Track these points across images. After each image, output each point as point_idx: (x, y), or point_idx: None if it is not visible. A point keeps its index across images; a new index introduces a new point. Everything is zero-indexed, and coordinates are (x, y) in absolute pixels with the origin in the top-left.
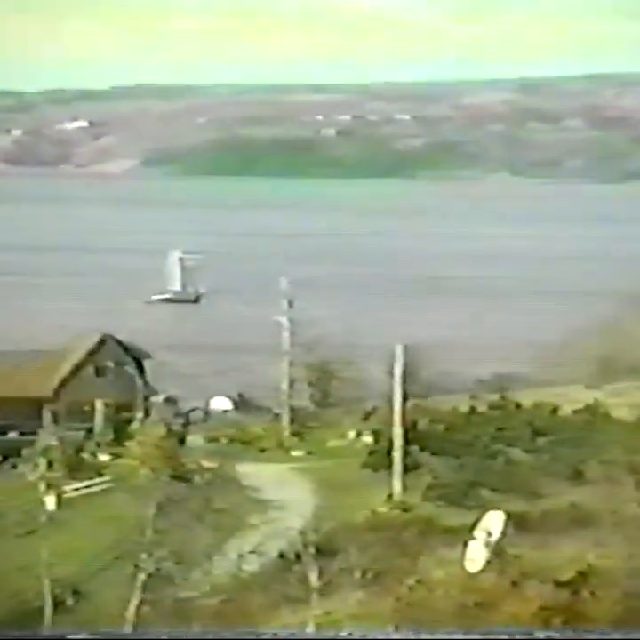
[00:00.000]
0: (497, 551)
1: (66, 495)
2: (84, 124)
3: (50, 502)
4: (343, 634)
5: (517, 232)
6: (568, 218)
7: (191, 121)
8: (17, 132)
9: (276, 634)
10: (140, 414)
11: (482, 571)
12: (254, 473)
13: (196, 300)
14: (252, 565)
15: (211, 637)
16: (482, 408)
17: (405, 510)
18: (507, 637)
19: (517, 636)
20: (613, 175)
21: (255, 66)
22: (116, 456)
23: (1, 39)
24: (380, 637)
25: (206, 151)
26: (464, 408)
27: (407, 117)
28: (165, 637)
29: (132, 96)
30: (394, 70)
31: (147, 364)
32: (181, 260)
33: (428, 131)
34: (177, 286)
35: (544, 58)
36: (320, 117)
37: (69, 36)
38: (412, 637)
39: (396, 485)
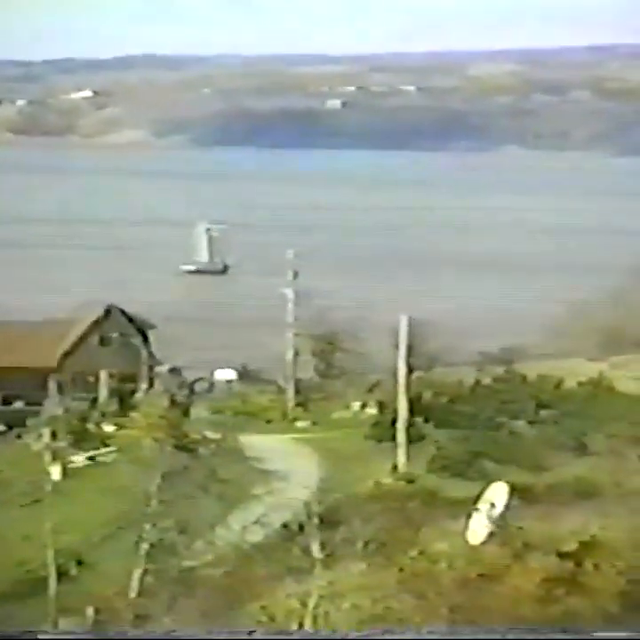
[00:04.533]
0: (500, 523)
1: (70, 465)
2: (89, 93)
3: (54, 472)
4: (343, 634)
5: (523, 205)
6: (574, 191)
7: (197, 92)
8: (22, 102)
9: (277, 634)
10: (144, 385)
11: (485, 542)
12: (258, 444)
13: (224, 271)
14: (255, 536)
15: (212, 637)
16: (486, 381)
17: (409, 481)
18: (506, 638)
19: (511, 637)
20: (620, 148)
21: (260, 37)
22: (120, 427)
23: (6, 9)
24: (381, 637)
25: (212, 122)
26: (469, 381)
27: (412, 88)
28: (166, 637)
29: (137, 66)
30: (400, 41)
31: (151, 334)
32: (208, 230)
33: (433, 102)
34: (204, 257)
35: (549, 29)
36: (326, 88)
37: (75, 5)
38: (413, 637)
39: (401, 457)
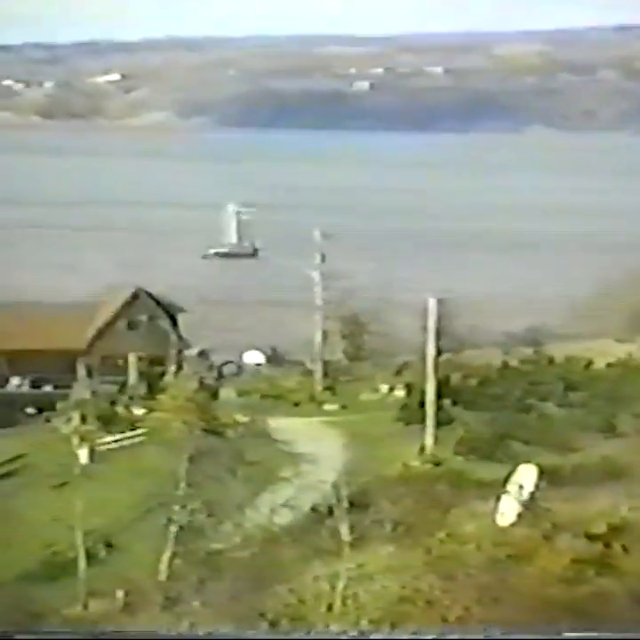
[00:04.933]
0: (529, 505)
1: (99, 448)
2: (115, 76)
3: (83, 455)
4: (342, 634)
5: (550, 185)
6: (601, 170)
7: (222, 73)
8: (49, 85)
9: (277, 634)
10: (172, 368)
11: (514, 524)
12: (287, 427)
13: (254, 254)
14: (284, 518)
15: (211, 637)
16: (514, 362)
17: (437, 464)
18: (504, 638)
19: (513, 637)
20: None
21: (286, 17)
22: (149, 409)
23: None
24: (380, 637)
25: (237, 103)
26: (497, 362)
27: (439, 70)
28: (166, 638)
29: (162, 48)
30: (426, 22)
31: (180, 317)
32: (238, 213)
33: (460, 83)
34: (233, 240)
35: (576, 9)
36: (353, 70)
37: None
38: (414, 637)
39: (429, 439)
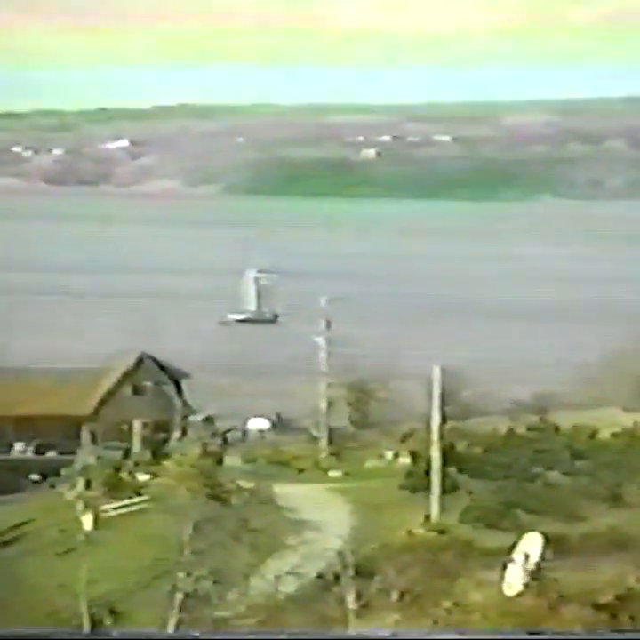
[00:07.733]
0: (535, 574)
1: (104, 514)
2: (124, 143)
3: (87, 521)
4: (345, 634)
5: (557, 253)
6: (610, 239)
7: (231, 141)
8: (58, 152)
9: (276, 634)
10: (177, 434)
11: (520, 594)
12: (292, 493)
13: (274, 320)
14: (289, 586)
15: (211, 637)
16: (520, 430)
17: (443, 532)
18: (500, 638)
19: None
20: None
21: (295, 86)
22: (153, 475)
23: (42, 58)
24: (382, 637)
25: (246, 171)
26: (502, 430)
27: (448, 139)
28: (165, 638)
29: (172, 115)
30: (435, 91)
31: (184, 383)
32: (257, 279)
33: (469, 152)
34: (252, 306)
35: (584, 79)
36: (361, 138)
37: (111, 54)
38: (415, 637)
39: (434, 507)
